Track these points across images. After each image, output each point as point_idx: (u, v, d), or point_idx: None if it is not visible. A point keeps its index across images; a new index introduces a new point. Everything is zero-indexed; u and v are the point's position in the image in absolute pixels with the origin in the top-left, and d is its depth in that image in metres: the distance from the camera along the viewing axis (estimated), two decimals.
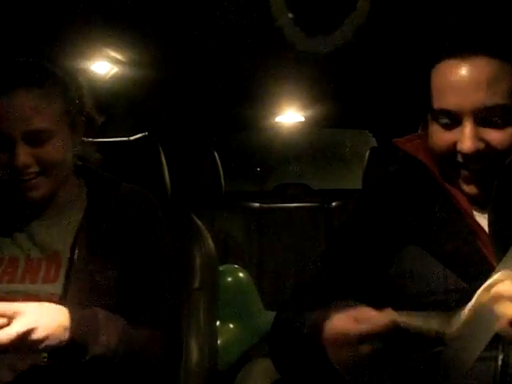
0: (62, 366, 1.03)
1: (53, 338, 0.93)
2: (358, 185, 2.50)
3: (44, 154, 1.06)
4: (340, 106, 2.66)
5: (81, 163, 1.22)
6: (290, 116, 3.03)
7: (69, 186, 1.19)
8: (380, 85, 2.29)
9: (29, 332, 0.90)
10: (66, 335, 0.95)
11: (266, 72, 2.11)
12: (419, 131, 1.14)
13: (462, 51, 0.92)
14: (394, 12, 1.49)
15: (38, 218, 1.16)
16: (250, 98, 2.52)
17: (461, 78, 0.91)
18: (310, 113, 2.90)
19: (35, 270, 1.09)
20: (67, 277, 1.07)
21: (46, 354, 1.02)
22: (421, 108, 1.05)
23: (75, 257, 1.09)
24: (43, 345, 0.92)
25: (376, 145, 3.00)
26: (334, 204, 2.78)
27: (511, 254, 0.90)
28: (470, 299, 0.90)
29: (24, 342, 0.89)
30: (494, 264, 0.92)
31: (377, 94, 2.45)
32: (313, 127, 3.77)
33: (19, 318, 0.90)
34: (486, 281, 0.90)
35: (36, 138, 1.05)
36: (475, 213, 0.99)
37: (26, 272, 1.09)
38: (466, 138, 0.91)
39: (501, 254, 0.91)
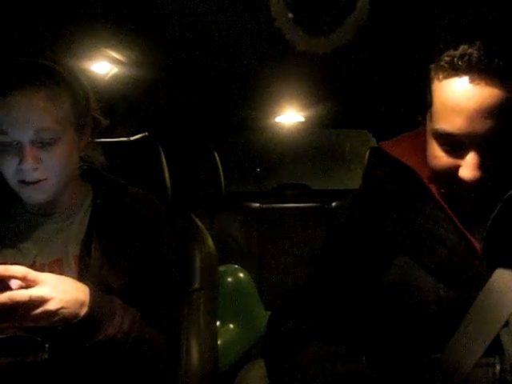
0: (63, 365, 1.03)
1: (67, 312, 0.94)
2: (358, 185, 2.50)
3: (51, 156, 1.06)
4: (340, 106, 2.66)
5: (86, 166, 1.21)
6: (290, 116, 3.03)
7: (75, 190, 1.19)
8: (380, 85, 2.29)
9: (43, 301, 0.91)
10: (83, 312, 0.97)
11: (265, 72, 2.11)
12: (420, 128, 1.11)
13: (472, 71, 0.83)
14: (395, 12, 1.49)
15: (45, 224, 1.15)
16: (250, 98, 2.52)
17: (468, 101, 0.83)
18: (309, 113, 2.90)
19: None
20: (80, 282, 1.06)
21: (47, 355, 1.02)
22: (422, 107, 1.02)
23: (90, 263, 1.09)
24: (56, 318, 0.93)
25: (376, 145, 3.00)
26: (333, 204, 2.79)
27: (503, 268, 0.90)
28: (461, 309, 0.89)
29: (36, 309, 0.90)
30: (484, 274, 0.90)
31: (376, 94, 2.45)
32: (313, 127, 3.77)
33: (37, 286, 0.91)
34: (476, 290, 0.89)
35: (43, 140, 1.04)
36: (465, 218, 0.95)
37: None
38: (469, 168, 0.85)
39: (491, 264, 0.90)
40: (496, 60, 0.81)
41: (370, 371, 0.88)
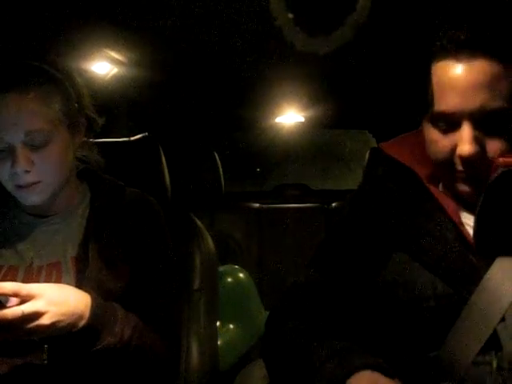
0: (62, 366, 1.03)
1: (63, 324, 0.93)
2: (358, 185, 2.50)
3: (43, 158, 1.05)
4: (340, 106, 2.66)
5: (83, 166, 1.21)
6: (290, 116, 3.03)
7: (72, 190, 1.18)
8: (380, 85, 2.29)
9: (37, 315, 0.89)
10: (81, 323, 0.96)
11: (266, 72, 2.11)
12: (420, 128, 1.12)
13: (456, 52, 0.89)
14: (394, 12, 1.49)
15: (42, 226, 1.14)
16: (250, 98, 2.52)
17: (458, 80, 0.88)
18: (310, 113, 2.91)
19: (34, 279, 1.07)
20: (78, 285, 1.04)
21: (46, 356, 1.02)
22: (421, 108, 1.04)
23: (88, 265, 1.08)
24: (51, 331, 0.92)
25: (376, 145, 3.00)
26: (333, 204, 2.78)
27: (499, 263, 0.90)
28: (459, 305, 0.89)
29: (29, 323, 0.89)
30: (481, 270, 0.91)
31: (376, 94, 2.45)
32: (313, 127, 3.77)
33: (32, 301, 0.89)
34: (473, 286, 0.89)
35: (35, 141, 1.03)
36: (463, 216, 0.97)
37: (25, 281, 1.06)
38: (466, 142, 0.88)
39: (486, 260, 0.91)
40: (482, 39, 0.87)
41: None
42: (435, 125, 0.93)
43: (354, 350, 0.90)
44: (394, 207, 1.01)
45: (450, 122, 0.91)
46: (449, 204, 0.97)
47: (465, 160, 0.89)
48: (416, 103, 1.03)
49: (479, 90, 0.87)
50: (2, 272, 1.08)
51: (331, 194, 3.03)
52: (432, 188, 1.00)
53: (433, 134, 0.94)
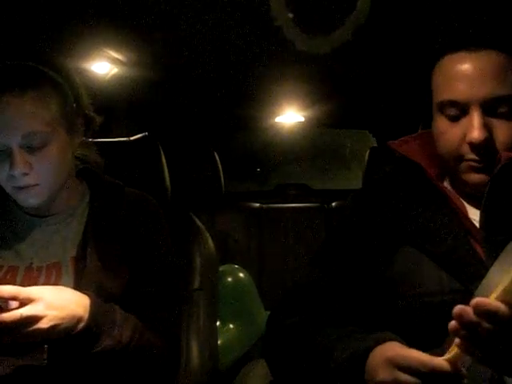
0: (62, 367, 1.03)
1: (61, 328, 0.93)
2: (358, 185, 2.50)
3: (42, 160, 1.04)
4: (340, 106, 2.66)
5: (82, 166, 1.20)
6: (289, 116, 3.03)
7: (71, 190, 1.17)
8: (380, 85, 2.29)
9: (35, 319, 0.89)
10: (80, 326, 0.95)
11: (266, 72, 2.11)
12: (419, 131, 1.14)
13: (466, 46, 0.94)
14: (394, 11, 1.49)
15: (41, 226, 1.14)
16: (250, 98, 2.52)
17: (467, 69, 0.93)
18: (309, 113, 2.91)
19: (34, 279, 1.07)
20: (76, 286, 1.04)
21: (45, 356, 1.02)
22: (421, 108, 1.05)
23: (86, 266, 1.07)
24: (49, 334, 0.92)
25: (376, 145, 3.00)
26: (334, 204, 2.78)
27: (505, 255, 0.90)
28: (465, 300, 0.90)
29: (27, 327, 0.89)
30: (488, 265, 0.91)
31: (376, 94, 2.45)
32: (313, 127, 3.77)
33: (30, 304, 0.89)
34: (479, 282, 0.90)
35: (33, 144, 1.02)
36: (471, 213, 0.98)
37: (24, 281, 1.07)
38: (475, 128, 0.91)
39: (493, 255, 0.91)
40: (489, 33, 0.95)
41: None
42: (444, 113, 0.96)
43: (362, 332, 0.91)
44: (401, 203, 1.02)
45: (459, 109, 0.94)
46: (456, 200, 0.99)
47: (474, 146, 0.92)
48: (416, 103, 1.04)
49: (487, 79, 0.92)
50: (2, 272, 1.08)
51: (331, 193, 3.03)
52: (440, 184, 1.02)
53: (442, 123, 0.97)
